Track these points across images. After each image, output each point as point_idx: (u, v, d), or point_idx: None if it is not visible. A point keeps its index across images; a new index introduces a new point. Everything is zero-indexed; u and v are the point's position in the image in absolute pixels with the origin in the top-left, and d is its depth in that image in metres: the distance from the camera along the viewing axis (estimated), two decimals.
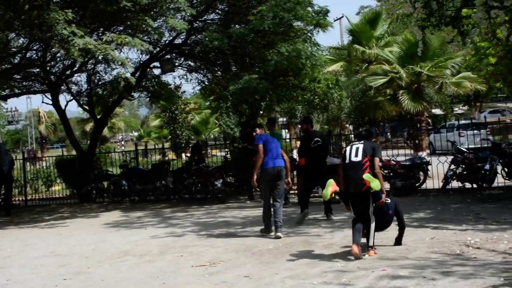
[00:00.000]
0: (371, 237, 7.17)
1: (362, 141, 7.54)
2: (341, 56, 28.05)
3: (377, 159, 7.39)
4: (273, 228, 9.08)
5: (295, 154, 15.70)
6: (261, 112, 17.95)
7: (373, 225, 7.19)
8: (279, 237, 8.79)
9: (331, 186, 7.48)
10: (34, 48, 15.53)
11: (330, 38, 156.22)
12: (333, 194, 7.76)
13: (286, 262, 7.18)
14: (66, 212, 14.96)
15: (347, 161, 7.40)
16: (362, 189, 7.15)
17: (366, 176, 7.11)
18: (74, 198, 17.43)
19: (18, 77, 16.84)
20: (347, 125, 32.60)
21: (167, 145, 36.95)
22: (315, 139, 10.63)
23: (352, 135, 21.83)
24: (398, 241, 7.68)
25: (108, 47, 11.69)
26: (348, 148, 7.58)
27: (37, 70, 16.74)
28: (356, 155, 7.32)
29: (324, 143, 10.88)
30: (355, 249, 6.97)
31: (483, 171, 12.58)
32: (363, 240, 7.24)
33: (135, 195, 16.16)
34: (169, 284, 6.53)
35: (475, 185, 12.97)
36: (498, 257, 6.62)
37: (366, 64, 25.26)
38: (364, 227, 7.19)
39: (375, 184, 7.07)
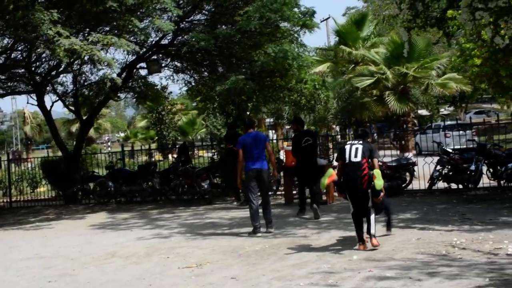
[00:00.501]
0: (372, 227, 7.58)
1: (360, 141, 7.84)
2: (328, 57, 28.12)
3: (375, 160, 7.84)
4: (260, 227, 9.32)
5: (282, 155, 15.72)
6: (248, 113, 17.92)
7: (373, 216, 7.61)
8: (270, 232, 9.25)
9: (329, 177, 7.78)
10: (19, 48, 15.39)
11: (316, 39, 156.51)
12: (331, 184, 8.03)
13: (273, 263, 7.17)
14: (51, 213, 14.84)
15: (347, 161, 7.71)
16: (363, 187, 7.54)
17: (376, 172, 7.54)
18: (59, 200, 17.31)
19: (3, 77, 16.70)
20: (334, 126, 32.67)
21: (153, 146, 36.83)
22: (305, 138, 11.07)
23: (339, 136, 21.90)
24: (388, 227, 8.32)
25: (94, 47, 11.63)
26: (347, 148, 7.82)
27: (22, 70, 16.59)
28: (356, 156, 7.65)
29: (314, 142, 11.32)
30: (361, 248, 7.52)
31: (468, 172, 12.67)
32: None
33: (121, 196, 16.09)
34: (155, 285, 6.50)
35: (460, 186, 13.06)
36: (483, 258, 6.67)
37: (353, 65, 25.33)
38: (365, 219, 7.66)
39: (379, 183, 7.46)
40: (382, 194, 7.67)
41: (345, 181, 7.75)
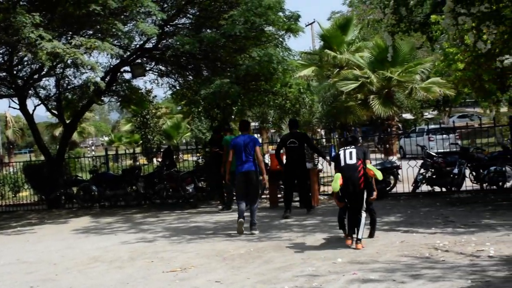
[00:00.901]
0: (361, 231, 7.84)
1: (353, 146, 8.23)
2: (313, 61, 28.13)
3: (367, 162, 8.16)
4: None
5: (267, 159, 15.74)
6: (233, 117, 17.92)
7: (363, 220, 7.88)
8: (253, 234, 9.45)
9: (340, 179, 7.95)
10: (0, 51, 15.23)
11: (301, 43, 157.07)
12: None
13: (258, 266, 7.16)
14: (34, 218, 14.69)
15: (343, 164, 8.06)
16: (360, 187, 7.90)
17: (370, 166, 8.02)
18: (42, 204, 17.14)
19: None
20: (319, 130, 32.76)
21: (138, 150, 36.70)
22: (291, 139, 11.52)
23: (324, 140, 21.98)
24: (371, 234, 8.39)
25: (77, 51, 11.53)
26: (341, 152, 8.23)
27: (4, 74, 16.38)
28: (351, 158, 8.03)
29: (300, 145, 11.56)
30: (349, 242, 7.85)
31: (451, 175, 12.77)
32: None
33: (105, 200, 15.98)
34: None
35: (444, 189, 13.16)
36: (466, 260, 6.71)
37: (337, 69, 25.36)
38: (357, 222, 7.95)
39: (379, 174, 7.93)
40: (375, 193, 8.09)
41: (344, 183, 7.95)
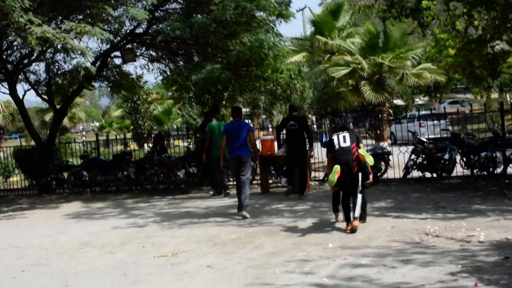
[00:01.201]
0: (357, 209, 7.95)
1: (345, 131, 8.38)
2: (304, 47, 28.03)
3: (361, 145, 8.38)
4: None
5: (258, 144, 15.76)
6: (224, 103, 17.85)
7: (359, 200, 8.01)
8: (245, 217, 9.54)
9: (338, 173, 7.98)
10: None
11: (292, 29, 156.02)
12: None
13: (249, 252, 7.18)
14: (25, 203, 14.64)
15: (337, 147, 8.18)
16: (354, 170, 8.02)
17: (362, 151, 8.15)
18: (33, 189, 17.07)
19: None
20: (310, 116, 32.71)
21: (129, 135, 36.59)
22: (290, 122, 11.73)
23: (315, 126, 21.99)
24: (362, 218, 8.39)
25: (67, 36, 11.43)
26: (335, 137, 8.35)
27: None
28: (345, 141, 8.17)
29: (300, 128, 11.70)
30: (349, 228, 7.91)
31: (442, 161, 12.83)
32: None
33: (96, 186, 15.93)
34: (130, 275, 6.46)
35: (434, 175, 13.22)
36: (456, 245, 6.76)
37: (329, 55, 25.31)
38: (352, 201, 8.08)
39: (370, 159, 8.10)
40: (371, 176, 8.31)
41: (339, 165, 7.99)
